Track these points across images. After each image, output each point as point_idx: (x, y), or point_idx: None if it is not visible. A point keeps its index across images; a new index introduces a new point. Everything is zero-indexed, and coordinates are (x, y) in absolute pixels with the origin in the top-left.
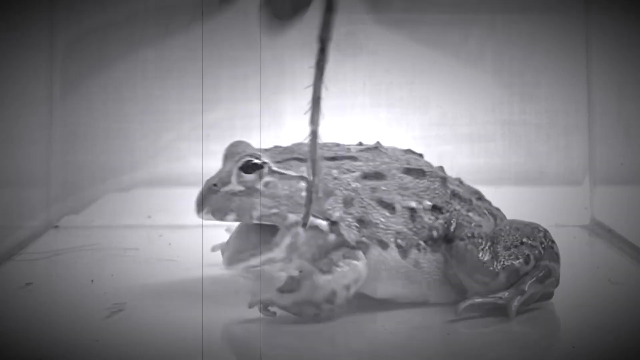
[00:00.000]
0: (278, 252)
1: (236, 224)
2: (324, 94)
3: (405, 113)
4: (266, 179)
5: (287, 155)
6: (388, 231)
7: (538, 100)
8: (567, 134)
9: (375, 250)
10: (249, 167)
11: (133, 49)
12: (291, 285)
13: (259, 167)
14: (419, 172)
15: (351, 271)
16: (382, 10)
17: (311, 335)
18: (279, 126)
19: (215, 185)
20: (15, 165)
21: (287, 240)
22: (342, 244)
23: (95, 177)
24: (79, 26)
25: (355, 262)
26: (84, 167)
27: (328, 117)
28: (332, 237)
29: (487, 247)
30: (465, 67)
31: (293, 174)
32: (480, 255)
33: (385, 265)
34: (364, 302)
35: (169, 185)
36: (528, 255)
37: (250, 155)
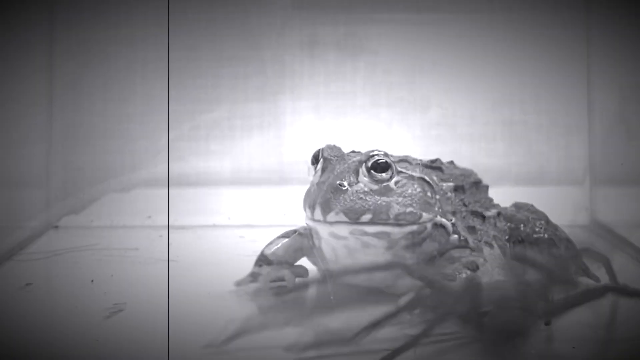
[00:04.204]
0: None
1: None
2: None
3: (405, 113)
4: (396, 178)
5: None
6: (487, 235)
7: (538, 100)
8: (567, 134)
9: (486, 251)
10: (377, 167)
11: (133, 48)
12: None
13: (385, 167)
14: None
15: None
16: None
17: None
18: (279, 126)
19: (341, 185)
20: (15, 166)
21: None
22: (459, 246)
23: (95, 177)
24: (78, 26)
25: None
26: (84, 167)
27: (328, 117)
28: (454, 237)
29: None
30: (465, 67)
31: (416, 174)
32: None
33: (498, 263)
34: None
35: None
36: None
37: (378, 155)
